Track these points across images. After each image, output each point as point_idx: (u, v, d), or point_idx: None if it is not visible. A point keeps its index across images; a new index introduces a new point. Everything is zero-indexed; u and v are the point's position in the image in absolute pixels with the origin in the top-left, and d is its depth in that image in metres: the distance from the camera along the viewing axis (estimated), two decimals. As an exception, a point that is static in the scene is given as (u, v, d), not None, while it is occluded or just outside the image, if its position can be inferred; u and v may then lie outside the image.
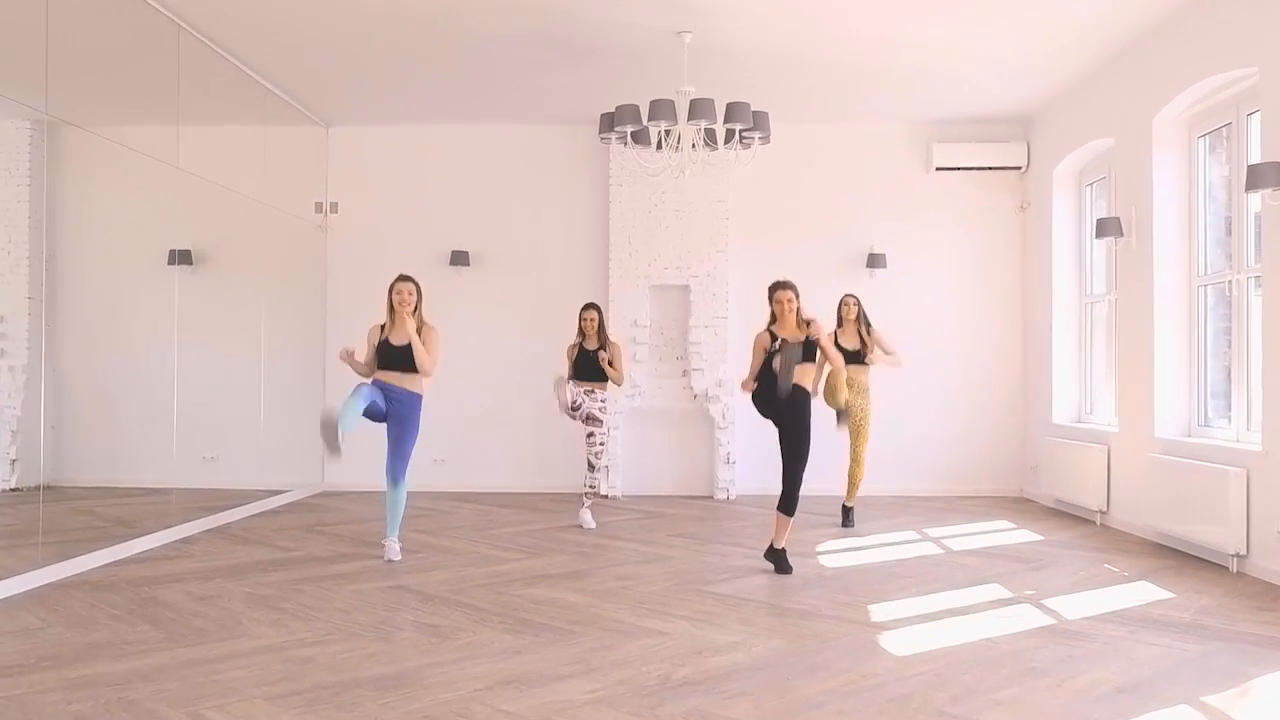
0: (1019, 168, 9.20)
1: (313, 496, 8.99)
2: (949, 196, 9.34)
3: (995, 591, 5.30)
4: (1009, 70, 7.82)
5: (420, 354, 5.94)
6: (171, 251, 7.93)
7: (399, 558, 6.01)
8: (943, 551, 6.48)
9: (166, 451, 7.30)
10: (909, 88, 8.35)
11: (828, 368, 6.06)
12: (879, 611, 4.84)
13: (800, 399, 5.67)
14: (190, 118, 7.38)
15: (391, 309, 6.04)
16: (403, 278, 6.12)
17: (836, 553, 6.40)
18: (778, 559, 5.76)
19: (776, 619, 4.72)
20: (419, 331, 6.03)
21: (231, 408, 8.44)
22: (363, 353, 6.11)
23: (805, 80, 8.08)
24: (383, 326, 6.10)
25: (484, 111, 9.07)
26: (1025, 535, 7.12)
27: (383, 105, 8.99)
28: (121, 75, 6.97)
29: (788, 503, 5.66)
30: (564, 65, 7.66)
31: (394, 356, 5.97)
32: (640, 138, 6.77)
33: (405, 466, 6.06)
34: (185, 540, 6.71)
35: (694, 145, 6.86)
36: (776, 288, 5.83)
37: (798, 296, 5.81)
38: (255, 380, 8.47)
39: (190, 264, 8.23)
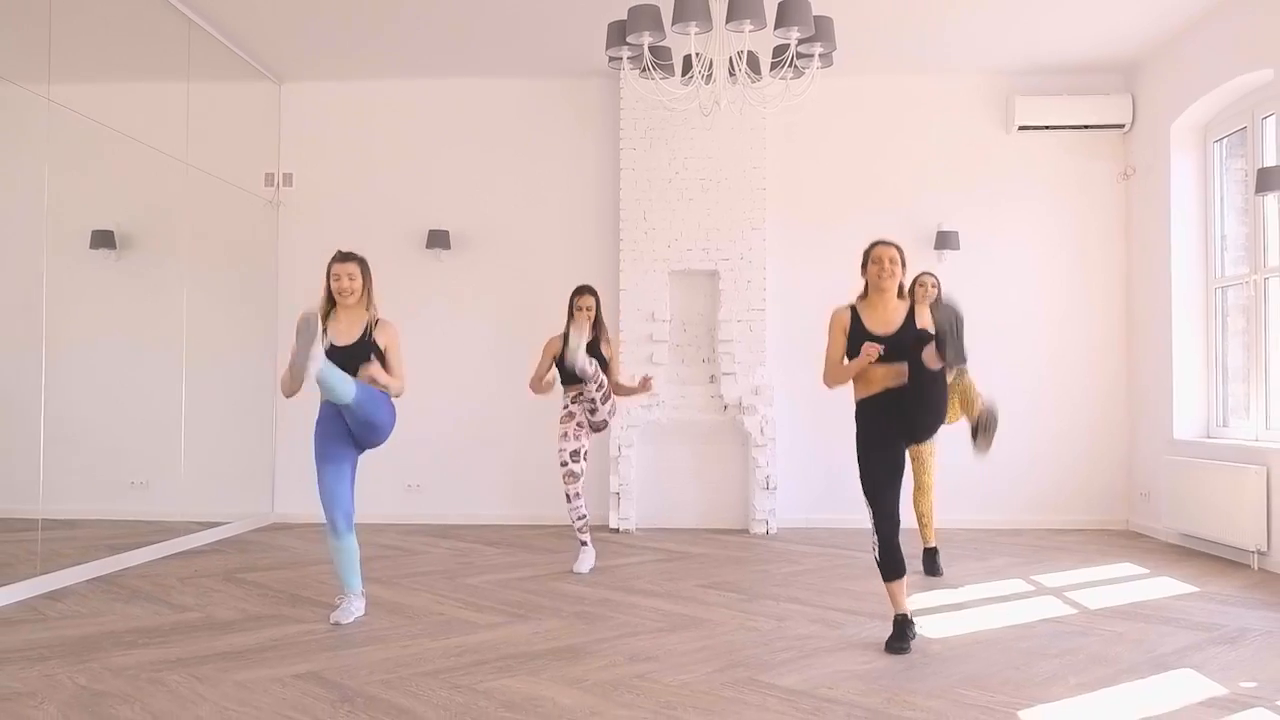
0: (1121, 126, 7.50)
1: (255, 531, 7.31)
2: (1034, 162, 7.65)
3: (1194, 682, 3.57)
4: (1110, 2, 6.22)
5: (381, 376, 4.42)
6: (94, 233, 6.67)
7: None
8: (1076, 611, 4.74)
9: (76, 475, 5.95)
10: (985, 28, 6.73)
11: None
12: (1039, 723, 3.13)
13: (938, 394, 4.02)
14: (116, 73, 6.28)
15: (331, 299, 4.54)
16: (341, 256, 4.53)
17: (932, 613, 4.66)
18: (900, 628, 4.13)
19: (884, 739, 3.00)
20: (373, 331, 4.51)
21: (164, 422, 6.90)
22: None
23: (857, 21, 6.44)
24: (326, 316, 4.51)
25: (469, 62, 7.48)
26: (1169, 585, 5.39)
27: (347, 56, 7.39)
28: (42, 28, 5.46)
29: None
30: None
31: (338, 362, 4.32)
32: (662, 56, 5.11)
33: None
34: (53, 594, 5.02)
35: (731, 71, 5.21)
36: (877, 245, 4.17)
37: (904, 263, 4.16)
38: (181, 389, 6.84)
39: (114, 248, 6.96)
